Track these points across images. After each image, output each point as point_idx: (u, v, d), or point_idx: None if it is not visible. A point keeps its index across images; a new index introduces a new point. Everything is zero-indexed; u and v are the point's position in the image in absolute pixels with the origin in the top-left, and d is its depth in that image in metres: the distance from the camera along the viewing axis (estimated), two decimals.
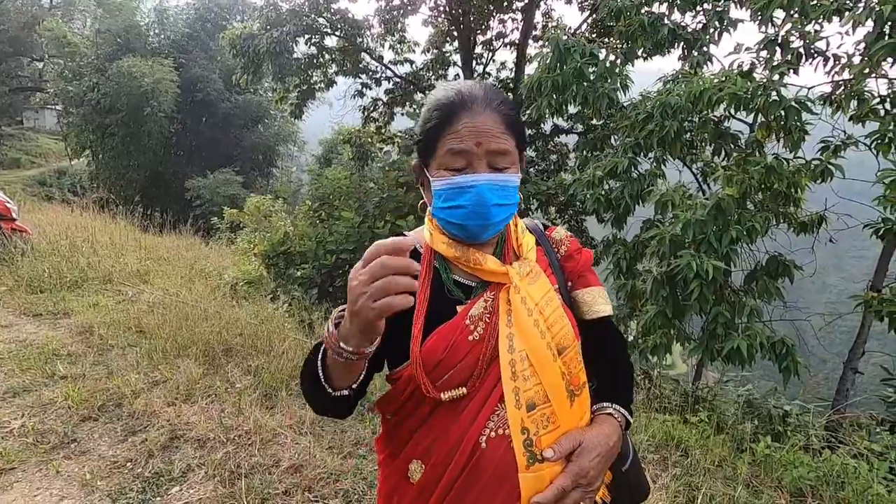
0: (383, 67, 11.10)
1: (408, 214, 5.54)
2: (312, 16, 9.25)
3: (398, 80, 11.28)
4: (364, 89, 11.04)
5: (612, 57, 5.33)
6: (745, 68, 4.32)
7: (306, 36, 9.40)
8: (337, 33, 9.91)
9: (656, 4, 5.22)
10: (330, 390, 0.80)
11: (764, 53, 4.27)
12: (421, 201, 0.97)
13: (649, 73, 4.97)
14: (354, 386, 0.82)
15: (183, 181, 17.25)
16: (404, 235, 0.97)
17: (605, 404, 0.94)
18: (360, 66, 10.67)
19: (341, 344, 0.73)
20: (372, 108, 11.30)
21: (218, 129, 19.78)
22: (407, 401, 0.87)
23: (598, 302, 0.97)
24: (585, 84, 4.89)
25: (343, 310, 0.75)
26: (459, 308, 0.87)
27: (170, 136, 18.39)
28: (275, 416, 2.73)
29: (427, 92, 11.53)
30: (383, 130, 11.55)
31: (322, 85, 10.67)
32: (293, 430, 2.61)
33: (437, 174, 0.87)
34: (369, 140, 11.10)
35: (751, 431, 3.04)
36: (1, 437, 2.50)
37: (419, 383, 0.83)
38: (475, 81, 0.92)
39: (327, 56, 10.26)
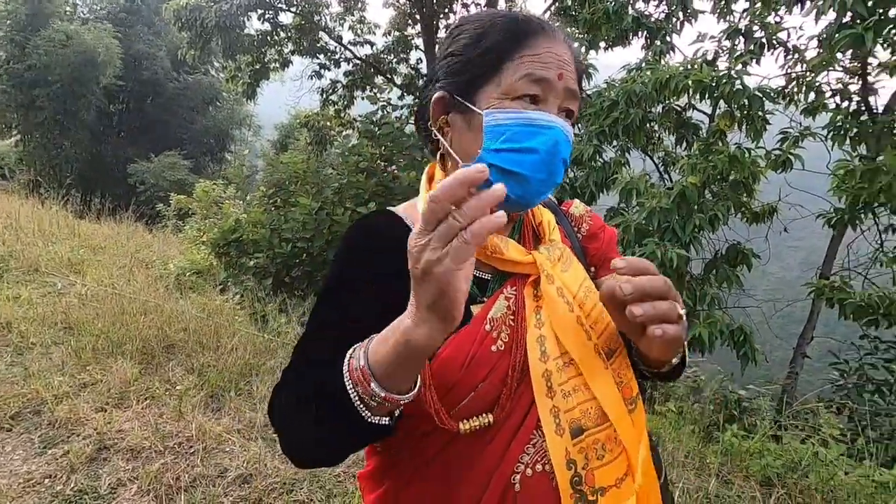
0: (342, 48, 10.67)
1: (369, 201, 5.30)
2: None
3: (358, 62, 10.87)
4: (322, 70, 10.58)
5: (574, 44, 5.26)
6: (709, 58, 4.34)
7: (259, 11, 8.88)
8: (293, 9, 9.42)
9: None
10: (368, 415, 0.55)
11: (727, 43, 4.30)
12: (433, 148, 0.73)
13: (611, 67, 4.94)
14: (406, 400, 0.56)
15: (125, 165, 16.10)
16: (390, 211, 0.76)
17: None
18: (318, 45, 10.21)
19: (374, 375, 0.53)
20: (331, 91, 10.85)
21: (165, 111, 18.54)
22: (410, 433, 0.65)
23: None
24: None
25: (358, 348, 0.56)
26: (475, 309, 0.67)
27: (111, 114, 17.10)
28: (221, 420, 2.49)
29: (389, 75, 11.26)
30: (343, 114, 11.13)
31: (277, 65, 10.14)
32: (242, 435, 2.38)
33: (501, 104, 0.65)
34: (328, 124, 10.67)
35: (711, 418, 3.07)
36: None
37: (430, 411, 0.62)
38: None
39: (283, 34, 9.76)
